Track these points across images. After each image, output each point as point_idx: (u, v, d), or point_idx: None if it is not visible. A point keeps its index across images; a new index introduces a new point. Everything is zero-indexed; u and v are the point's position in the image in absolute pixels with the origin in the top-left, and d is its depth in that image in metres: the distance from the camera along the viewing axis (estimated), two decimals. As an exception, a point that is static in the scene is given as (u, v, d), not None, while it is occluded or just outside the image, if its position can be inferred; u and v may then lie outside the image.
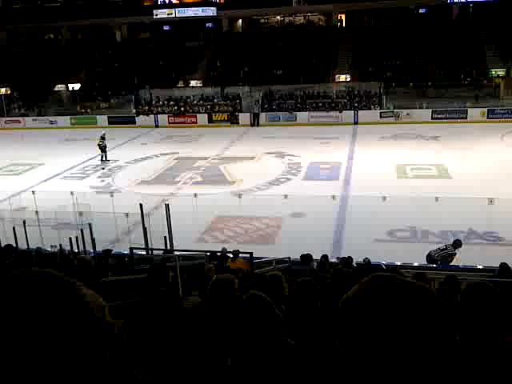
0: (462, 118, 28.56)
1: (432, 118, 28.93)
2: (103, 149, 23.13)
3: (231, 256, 10.12)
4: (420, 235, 13.77)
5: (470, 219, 13.69)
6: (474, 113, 28.60)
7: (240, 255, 10.16)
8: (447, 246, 11.02)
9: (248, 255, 10.00)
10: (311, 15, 41.52)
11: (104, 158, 23.18)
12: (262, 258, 10.44)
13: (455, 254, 10.85)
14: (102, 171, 21.79)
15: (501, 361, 1.82)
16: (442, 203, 13.15)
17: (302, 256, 9.60)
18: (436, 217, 13.95)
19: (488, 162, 20.26)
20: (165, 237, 11.50)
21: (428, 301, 0.90)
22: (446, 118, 28.70)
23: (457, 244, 10.93)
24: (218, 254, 10.54)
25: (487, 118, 28.38)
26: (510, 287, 9.15)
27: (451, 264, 10.53)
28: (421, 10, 37.77)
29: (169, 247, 11.30)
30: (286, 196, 14.15)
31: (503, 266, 9.91)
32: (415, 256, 11.56)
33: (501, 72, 31.51)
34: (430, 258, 11.08)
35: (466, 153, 21.88)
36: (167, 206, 11.75)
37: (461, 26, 35.21)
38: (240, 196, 14.63)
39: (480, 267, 10.74)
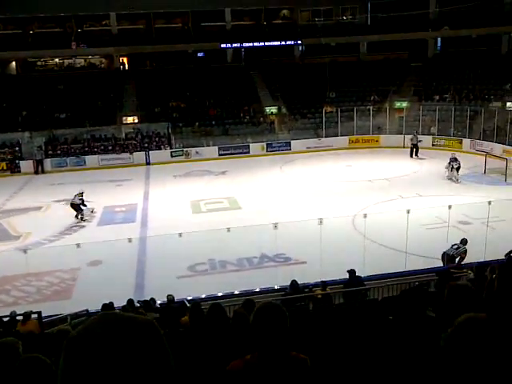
0: (245, 153, 31.02)
1: (219, 155, 30.73)
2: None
3: (21, 319, 9.13)
4: (219, 266, 14.37)
5: (260, 244, 14.80)
6: (255, 147, 31.33)
7: (32, 316, 9.24)
8: (459, 245, 12.22)
9: (36, 315, 9.14)
10: (92, 58, 40.76)
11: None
12: (56, 315, 9.65)
13: (466, 249, 12.11)
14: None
15: (287, 374, 1.98)
16: (235, 233, 13.93)
17: (104, 305, 9.16)
18: (231, 246, 14.73)
19: (271, 190, 22.27)
20: None
21: (151, 332, 0.96)
22: (231, 154, 30.78)
23: (465, 241, 12.32)
24: (5, 319, 9.43)
25: (266, 151, 31.37)
26: (299, 301, 10.08)
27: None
28: (199, 54, 40.12)
29: None
30: (78, 245, 13.33)
31: (293, 283, 10.94)
32: (216, 287, 12.02)
33: (274, 109, 35.16)
34: (447, 256, 12.04)
35: (251, 184, 23.71)
36: None
37: (236, 68, 38.44)
38: (26, 251, 13.27)
39: (277, 287, 11.65)
